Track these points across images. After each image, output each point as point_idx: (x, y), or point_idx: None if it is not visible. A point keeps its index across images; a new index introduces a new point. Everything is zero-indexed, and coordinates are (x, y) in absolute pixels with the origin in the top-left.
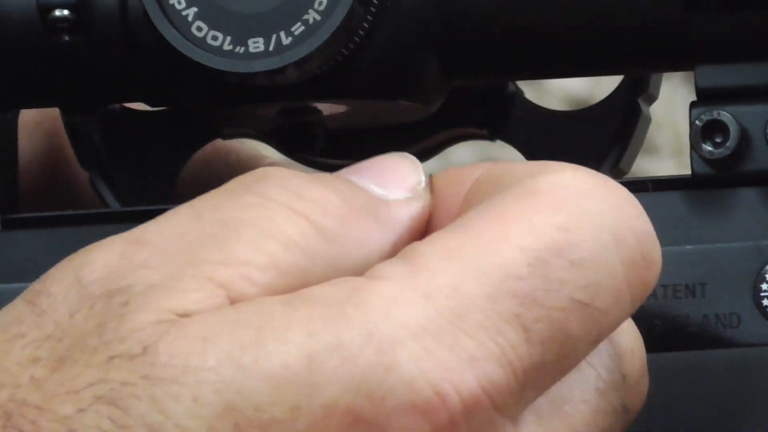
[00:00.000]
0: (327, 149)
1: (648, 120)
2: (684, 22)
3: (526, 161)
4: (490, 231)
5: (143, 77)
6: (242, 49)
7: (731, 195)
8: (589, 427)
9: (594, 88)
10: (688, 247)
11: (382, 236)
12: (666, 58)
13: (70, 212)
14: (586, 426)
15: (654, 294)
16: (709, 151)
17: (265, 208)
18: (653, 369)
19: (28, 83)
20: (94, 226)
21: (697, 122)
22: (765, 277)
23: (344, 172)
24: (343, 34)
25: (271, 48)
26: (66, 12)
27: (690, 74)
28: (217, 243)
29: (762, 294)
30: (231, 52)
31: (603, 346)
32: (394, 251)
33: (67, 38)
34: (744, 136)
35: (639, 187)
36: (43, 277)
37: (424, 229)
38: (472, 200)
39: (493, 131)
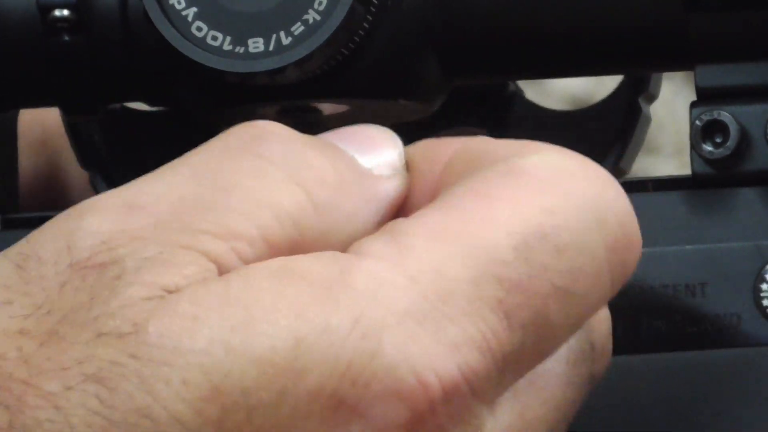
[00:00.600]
0: None
1: (648, 119)
2: (684, 22)
3: (504, 140)
4: (476, 211)
5: (143, 77)
6: (242, 49)
7: (731, 195)
8: (561, 399)
9: (594, 88)
10: (689, 247)
11: (368, 211)
12: (666, 57)
13: None
14: (558, 398)
15: (654, 293)
16: (710, 151)
17: (265, 174)
18: (653, 369)
19: (28, 83)
20: None
21: (697, 122)
22: (765, 277)
23: (331, 138)
24: (343, 34)
25: (271, 48)
26: (66, 12)
27: (691, 73)
28: (212, 212)
29: (762, 294)
30: (231, 52)
31: None
32: (377, 227)
33: (67, 38)
34: (744, 136)
35: (639, 187)
36: (32, 237)
37: (402, 205)
38: (451, 175)
39: (493, 131)
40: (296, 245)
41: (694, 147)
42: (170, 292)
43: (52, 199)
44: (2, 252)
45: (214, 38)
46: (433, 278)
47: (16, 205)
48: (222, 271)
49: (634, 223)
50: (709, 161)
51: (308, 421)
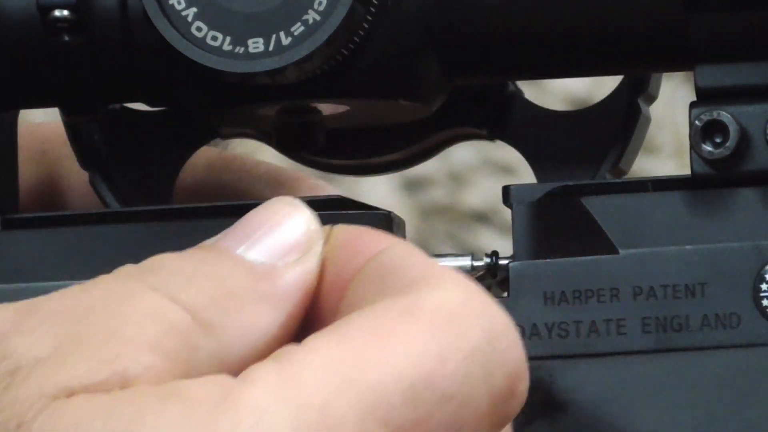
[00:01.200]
0: (327, 149)
1: (648, 120)
2: (684, 22)
3: (423, 258)
4: (369, 347)
5: (143, 77)
6: (242, 49)
7: (731, 195)
8: None
9: (594, 88)
10: (688, 247)
11: (268, 317)
12: (666, 58)
13: (70, 212)
14: None
15: (654, 294)
16: (709, 151)
17: (150, 294)
18: (653, 369)
19: (28, 83)
20: (94, 226)
21: (696, 122)
22: (765, 277)
23: (230, 241)
24: (343, 34)
25: (270, 48)
26: (66, 12)
27: (691, 74)
28: (105, 320)
29: (762, 294)
30: (231, 52)
31: None
32: (287, 323)
33: (66, 38)
34: (744, 136)
35: (639, 187)
36: None
37: (317, 284)
38: (362, 285)
39: (492, 131)
40: (191, 363)
41: (694, 147)
42: (64, 391)
43: (51, 209)
44: None
45: (214, 38)
46: (318, 413)
47: (16, 205)
48: (118, 373)
49: (522, 375)
50: (708, 161)
51: None
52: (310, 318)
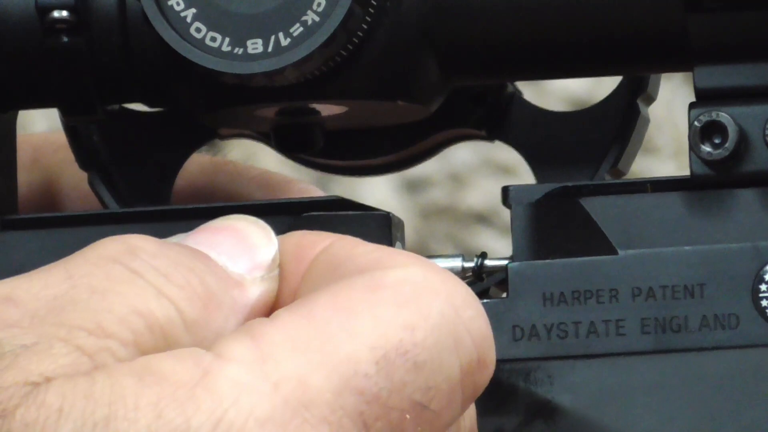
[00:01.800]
0: (326, 150)
1: (646, 121)
2: (683, 23)
3: (371, 245)
4: (338, 322)
5: (142, 78)
6: (241, 50)
7: (730, 196)
8: None
9: (594, 88)
10: (687, 248)
11: (236, 321)
12: (665, 58)
13: (69, 213)
14: None
15: (653, 295)
16: (708, 152)
17: (137, 285)
18: (652, 370)
19: (28, 84)
20: (93, 227)
21: (696, 123)
22: (764, 278)
23: (203, 241)
24: (341, 35)
25: (269, 49)
26: (65, 13)
27: (690, 74)
28: (87, 311)
29: (761, 295)
30: (229, 53)
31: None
32: None
33: (65, 39)
34: (743, 137)
35: (638, 187)
36: None
37: (271, 305)
38: (313, 277)
39: (491, 132)
40: None
41: (693, 148)
42: (47, 378)
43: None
44: None
45: (213, 39)
46: (296, 386)
47: (15, 206)
48: (97, 366)
49: (489, 343)
50: (707, 162)
51: None
52: None
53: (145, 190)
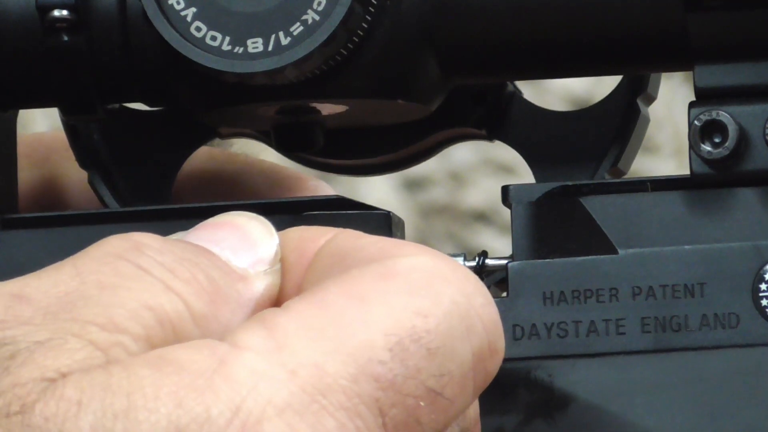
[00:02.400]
0: (326, 149)
1: (646, 120)
2: (683, 22)
3: (374, 237)
4: (351, 310)
5: (142, 77)
6: (241, 49)
7: (730, 195)
8: None
9: (594, 87)
10: (687, 247)
11: (243, 315)
12: (665, 57)
13: (69, 212)
14: None
15: (653, 294)
16: (708, 151)
17: (145, 280)
18: (652, 369)
19: (28, 83)
20: (94, 226)
21: (696, 122)
22: (764, 277)
23: (205, 237)
24: (342, 34)
25: (270, 48)
26: (65, 12)
27: (691, 74)
28: (99, 306)
29: (761, 294)
30: (230, 52)
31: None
32: None
33: (66, 38)
34: (743, 136)
35: (638, 187)
36: None
37: (275, 299)
38: (319, 269)
39: (491, 131)
40: None
41: (693, 147)
42: (63, 375)
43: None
44: None
45: (213, 38)
46: (313, 372)
47: (15, 205)
48: (110, 361)
49: (499, 331)
50: (707, 161)
51: None
52: None
53: (145, 189)
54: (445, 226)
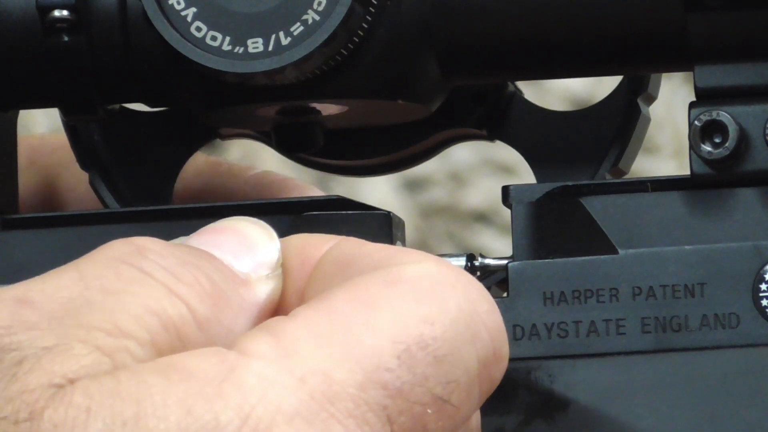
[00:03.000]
0: (326, 149)
1: (647, 120)
2: (684, 22)
3: (377, 244)
4: (358, 317)
5: (143, 77)
6: (241, 49)
7: (730, 195)
8: None
9: (594, 87)
10: (687, 247)
11: (246, 319)
12: (665, 58)
13: (70, 212)
14: None
15: (653, 294)
16: (708, 152)
17: (148, 285)
18: (653, 369)
19: (28, 83)
20: (94, 227)
21: (696, 122)
22: (764, 277)
23: (207, 242)
24: (342, 34)
25: (270, 48)
26: (65, 12)
27: (691, 74)
28: (103, 311)
29: (761, 294)
30: (230, 52)
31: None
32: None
33: (66, 38)
34: (743, 137)
35: (638, 187)
36: None
37: (277, 304)
38: (323, 276)
39: (492, 131)
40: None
41: (693, 147)
42: (71, 380)
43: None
44: None
45: (214, 38)
46: (321, 380)
47: (15, 205)
48: (115, 366)
49: (504, 337)
50: (708, 161)
51: None
52: None
53: (146, 189)
54: (445, 227)
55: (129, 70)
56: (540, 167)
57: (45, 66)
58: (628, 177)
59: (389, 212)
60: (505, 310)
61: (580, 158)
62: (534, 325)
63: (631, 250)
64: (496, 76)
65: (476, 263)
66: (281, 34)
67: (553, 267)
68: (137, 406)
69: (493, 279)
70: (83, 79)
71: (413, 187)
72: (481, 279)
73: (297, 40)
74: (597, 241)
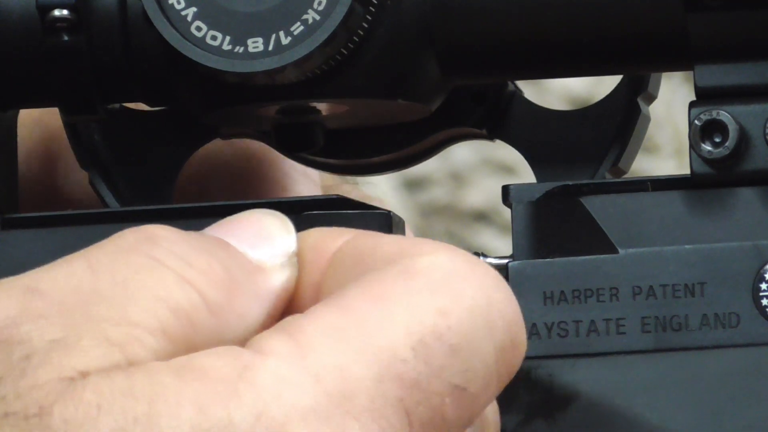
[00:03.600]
0: (326, 149)
1: (647, 119)
2: (684, 22)
3: (393, 236)
4: (373, 312)
5: (143, 77)
6: (241, 48)
7: (730, 195)
8: None
9: (594, 87)
10: (688, 246)
11: (260, 307)
12: (665, 57)
13: (70, 212)
14: None
15: (653, 293)
16: (709, 151)
17: (159, 272)
18: (653, 369)
19: (28, 83)
20: (94, 226)
21: (696, 122)
22: (764, 277)
23: (222, 232)
24: (342, 33)
25: (270, 48)
26: (65, 12)
27: (691, 73)
28: (112, 302)
29: (761, 294)
30: (230, 51)
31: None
32: (268, 320)
33: (66, 38)
34: (743, 136)
35: (638, 186)
36: None
37: (292, 294)
38: (338, 270)
39: (492, 131)
40: (192, 343)
41: (693, 147)
42: (81, 374)
43: (50, 205)
44: None
45: (214, 38)
46: (336, 376)
47: (15, 205)
48: (128, 357)
49: (520, 325)
50: (708, 161)
51: None
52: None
53: (146, 189)
54: (445, 226)
55: (129, 70)
56: (540, 167)
57: (45, 66)
58: (628, 176)
59: (389, 211)
60: None
61: (580, 158)
62: (534, 325)
63: (631, 250)
64: (496, 75)
65: None
66: (281, 33)
67: (554, 266)
68: (149, 405)
69: None
70: (83, 78)
71: (413, 186)
72: None
73: (297, 40)
74: (597, 241)
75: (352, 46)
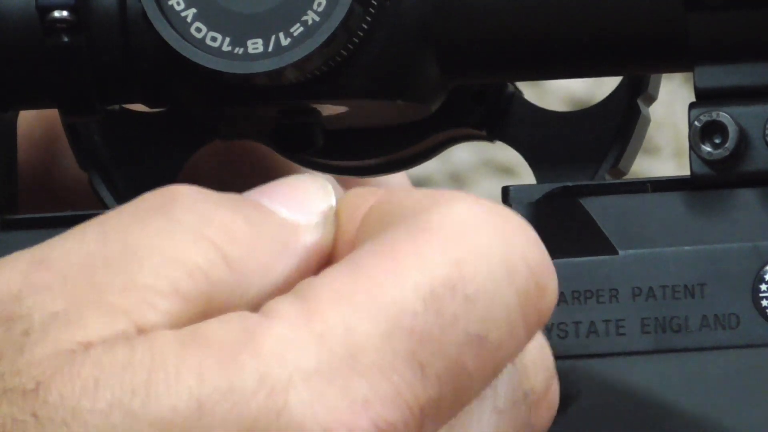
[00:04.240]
0: (326, 149)
1: (647, 120)
2: (684, 22)
3: (419, 189)
4: (382, 269)
5: (142, 78)
6: (241, 49)
7: (730, 196)
8: None
9: (595, 88)
10: (687, 247)
11: (288, 262)
12: (665, 58)
13: (69, 213)
14: None
15: (653, 294)
16: (708, 152)
17: (173, 232)
18: (652, 370)
19: (28, 84)
20: None
21: (696, 123)
22: (764, 278)
23: (256, 194)
24: (342, 34)
25: (270, 49)
26: (65, 13)
27: (691, 74)
28: (120, 269)
29: (761, 295)
30: (230, 53)
31: None
32: (300, 276)
33: (66, 39)
34: (743, 137)
35: (638, 187)
36: None
37: (329, 254)
38: (364, 232)
39: (492, 132)
40: (211, 299)
41: (693, 148)
42: (83, 345)
43: (50, 200)
44: None
45: (213, 39)
46: (342, 335)
47: (15, 206)
48: (137, 323)
49: (549, 268)
50: (708, 162)
51: None
52: None
53: (146, 189)
54: None
55: (129, 71)
56: (540, 168)
57: (45, 66)
58: (628, 177)
59: None
60: None
61: (580, 159)
62: None
63: (631, 251)
64: (495, 76)
65: None
66: (281, 34)
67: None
68: (148, 375)
69: None
70: (83, 79)
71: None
72: None
73: (297, 41)
74: (597, 242)
75: (351, 47)
